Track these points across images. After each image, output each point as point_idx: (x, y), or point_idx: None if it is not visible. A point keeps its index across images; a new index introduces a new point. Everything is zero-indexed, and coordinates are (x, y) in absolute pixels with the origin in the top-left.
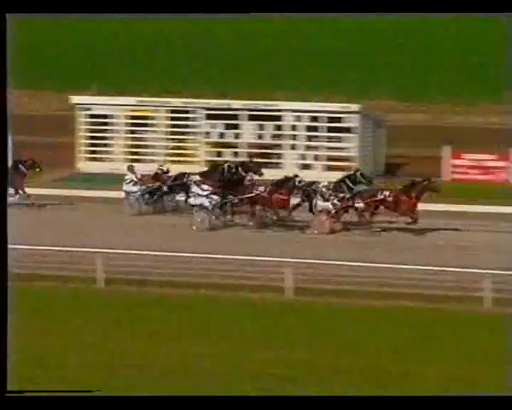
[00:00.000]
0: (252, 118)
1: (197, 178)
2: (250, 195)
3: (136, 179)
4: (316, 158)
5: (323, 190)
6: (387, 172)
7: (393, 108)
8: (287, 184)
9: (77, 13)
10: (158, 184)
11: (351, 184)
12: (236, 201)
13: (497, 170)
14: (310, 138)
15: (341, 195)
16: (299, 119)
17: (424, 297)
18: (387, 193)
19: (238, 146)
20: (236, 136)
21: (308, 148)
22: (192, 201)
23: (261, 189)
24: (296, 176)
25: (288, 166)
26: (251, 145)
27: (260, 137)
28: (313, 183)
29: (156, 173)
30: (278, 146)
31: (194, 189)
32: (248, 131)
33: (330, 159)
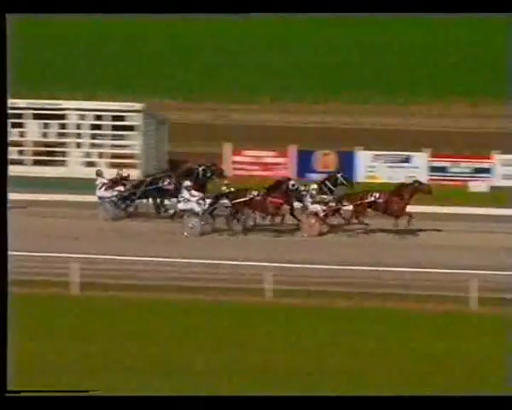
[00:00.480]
0: (37, 117)
1: (187, 183)
2: (243, 199)
3: (107, 184)
4: (100, 156)
5: (313, 192)
6: (171, 168)
7: (176, 107)
8: (280, 188)
9: (77, 13)
10: (133, 189)
11: (331, 187)
12: (229, 205)
13: (276, 166)
14: (94, 136)
15: (327, 197)
16: (83, 117)
17: None
18: (378, 195)
19: (24, 144)
20: (21, 134)
21: (93, 146)
22: (182, 206)
23: (254, 193)
24: (289, 179)
25: (73, 163)
26: (36, 143)
27: (45, 135)
28: (304, 185)
29: (116, 179)
30: (64, 144)
31: (184, 194)
32: (33, 130)
33: (114, 156)
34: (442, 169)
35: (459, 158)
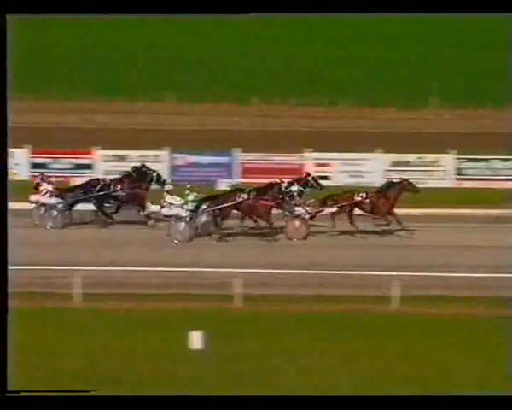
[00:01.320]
0: None
1: (170, 187)
2: (234, 202)
3: (52, 190)
4: None
5: (295, 195)
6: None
7: None
8: (271, 191)
9: (77, 13)
10: (83, 194)
11: (302, 188)
12: (218, 208)
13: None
14: None
15: (310, 200)
16: None
17: None
18: (364, 195)
19: None
20: None
21: None
22: (166, 211)
23: (244, 196)
24: (282, 182)
25: None
26: None
27: None
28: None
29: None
30: None
31: (168, 198)
32: None
33: None
34: (43, 165)
35: (60, 154)
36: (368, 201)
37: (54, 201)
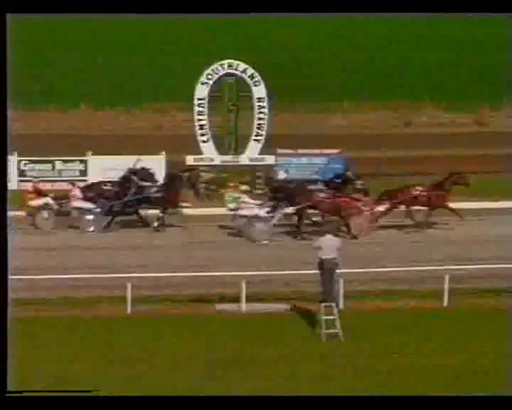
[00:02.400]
0: None
1: (246, 187)
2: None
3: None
4: None
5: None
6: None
7: None
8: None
9: (77, 13)
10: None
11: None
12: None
13: None
14: None
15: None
16: None
17: None
18: (421, 188)
19: None
20: None
21: None
22: (244, 212)
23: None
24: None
25: None
26: None
27: None
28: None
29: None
30: None
31: (244, 199)
32: None
33: None
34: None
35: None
36: (425, 194)
37: (89, 205)
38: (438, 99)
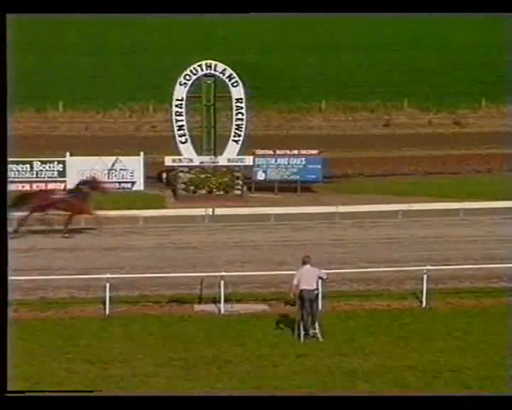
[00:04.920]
0: None
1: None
2: None
3: None
4: None
5: None
6: None
7: None
8: None
9: (77, 13)
10: None
11: None
12: None
13: None
14: None
15: None
16: None
17: None
18: None
19: None
20: None
21: None
22: None
23: None
24: None
25: None
26: None
27: None
28: None
29: None
30: None
31: None
32: None
33: None
34: None
35: None
36: None
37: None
38: (416, 100)
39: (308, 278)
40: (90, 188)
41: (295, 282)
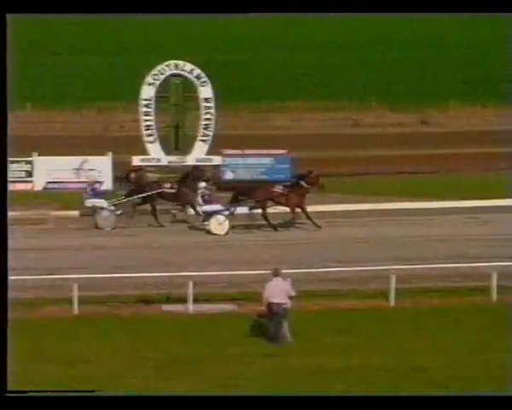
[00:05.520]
0: None
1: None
2: None
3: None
4: None
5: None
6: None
7: None
8: None
9: (77, 13)
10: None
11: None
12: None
13: None
14: None
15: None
16: None
17: None
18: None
19: None
20: None
21: None
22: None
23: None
24: None
25: None
26: None
27: None
28: None
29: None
30: None
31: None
32: None
33: None
34: None
35: None
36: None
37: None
38: (384, 100)
39: (277, 292)
40: (307, 183)
41: (265, 294)
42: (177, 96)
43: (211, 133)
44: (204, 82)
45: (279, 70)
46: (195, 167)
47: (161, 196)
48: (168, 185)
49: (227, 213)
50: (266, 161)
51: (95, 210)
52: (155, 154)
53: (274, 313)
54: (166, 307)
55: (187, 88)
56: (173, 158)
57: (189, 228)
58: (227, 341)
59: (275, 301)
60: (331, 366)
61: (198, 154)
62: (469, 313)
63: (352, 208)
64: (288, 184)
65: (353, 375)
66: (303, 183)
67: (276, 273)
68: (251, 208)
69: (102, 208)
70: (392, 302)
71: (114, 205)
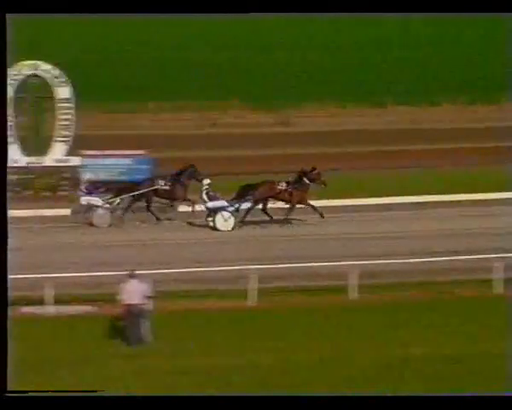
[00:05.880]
0: None
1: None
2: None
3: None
4: None
5: None
6: None
7: None
8: None
9: (77, 13)
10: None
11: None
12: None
13: None
14: None
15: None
16: None
17: None
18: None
19: None
20: None
21: None
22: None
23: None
24: None
25: None
26: None
27: None
28: None
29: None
30: None
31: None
32: None
33: None
34: None
35: None
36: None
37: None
38: (244, 99)
39: (134, 293)
40: (309, 180)
41: (122, 296)
42: (34, 97)
43: (70, 134)
44: (62, 82)
45: (140, 69)
46: (191, 165)
47: (156, 193)
48: (162, 183)
49: (232, 209)
50: (126, 161)
51: (90, 208)
52: (14, 155)
53: (131, 314)
54: (25, 310)
55: (44, 88)
56: (32, 159)
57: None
58: (86, 342)
59: (131, 302)
60: (192, 367)
61: (57, 154)
62: (342, 311)
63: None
64: (292, 180)
65: (213, 374)
66: (305, 179)
67: (132, 275)
68: (254, 204)
69: (97, 206)
70: (250, 301)
71: (109, 203)
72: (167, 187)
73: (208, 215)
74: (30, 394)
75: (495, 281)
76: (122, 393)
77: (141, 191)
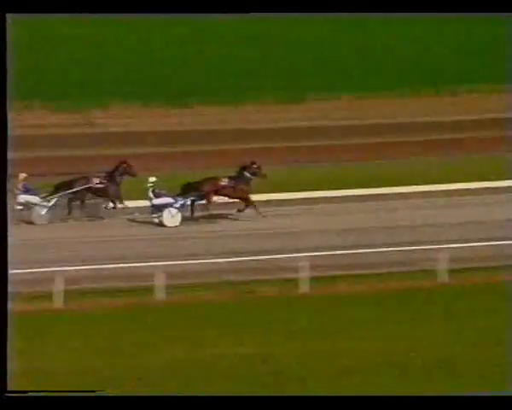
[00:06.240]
0: None
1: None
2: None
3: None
4: None
5: None
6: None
7: None
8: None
9: (77, 13)
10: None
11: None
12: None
13: None
14: None
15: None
16: None
17: None
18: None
19: None
20: None
21: None
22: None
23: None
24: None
25: None
26: None
27: None
28: None
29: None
30: None
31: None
32: None
33: None
34: None
35: None
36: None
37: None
38: (47, 99)
39: None
40: (250, 174)
41: None
42: None
43: None
44: None
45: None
46: (123, 162)
47: (90, 190)
48: (97, 180)
49: (178, 205)
50: None
51: (28, 206)
52: None
53: None
54: None
55: None
56: None
57: None
58: None
59: None
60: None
61: None
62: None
63: None
64: (234, 175)
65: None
66: (247, 173)
67: None
68: (198, 200)
69: (35, 204)
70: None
71: (47, 200)
72: (101, 185)
73: (153, 212)
74: (30, 394)
75: (301, 281)
76: (122, 393)
77: (75, 189)
